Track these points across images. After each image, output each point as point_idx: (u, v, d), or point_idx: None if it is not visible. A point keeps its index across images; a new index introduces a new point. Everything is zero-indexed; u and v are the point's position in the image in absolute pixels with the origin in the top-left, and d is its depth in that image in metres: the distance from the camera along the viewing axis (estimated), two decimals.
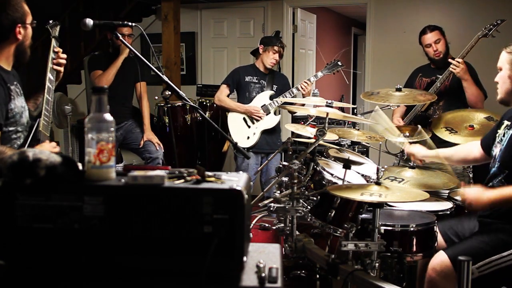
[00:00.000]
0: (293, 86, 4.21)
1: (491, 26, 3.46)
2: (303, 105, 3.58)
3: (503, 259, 2.16)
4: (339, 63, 4.19)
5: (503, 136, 2.36)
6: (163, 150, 4.29)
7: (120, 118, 4.22)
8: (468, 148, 2.65)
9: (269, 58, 4.13)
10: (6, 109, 2.10)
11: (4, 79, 2.11)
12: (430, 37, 3.69)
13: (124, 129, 4.28)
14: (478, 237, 2.28)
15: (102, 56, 4.32)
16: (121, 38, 2.38)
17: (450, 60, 3.54)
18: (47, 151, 1.36)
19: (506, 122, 2.39)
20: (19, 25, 2.12)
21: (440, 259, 2.24)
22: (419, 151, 2.75)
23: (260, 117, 4.14)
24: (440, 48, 3.68)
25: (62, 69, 2.37)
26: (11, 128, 2.11)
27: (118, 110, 4.17)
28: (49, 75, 2.30)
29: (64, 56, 2.37)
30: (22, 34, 2.14)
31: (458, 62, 3.48)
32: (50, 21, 2.44)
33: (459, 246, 2.30)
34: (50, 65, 2.33)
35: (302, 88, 4.04)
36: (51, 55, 2.35)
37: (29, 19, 2.17)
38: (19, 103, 2.17)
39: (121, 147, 4.46)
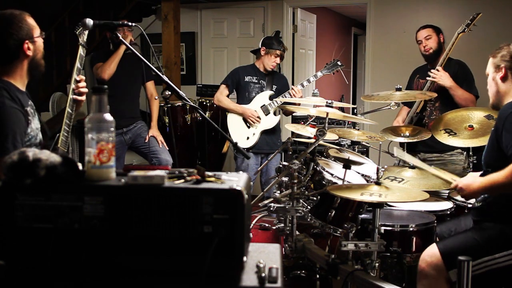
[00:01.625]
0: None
1: (469, 21, 3.50)
2: (299, 104, 3.59)
3: (495, 260, 2.17)
4: (339, 62, 4.19)
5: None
6: (172, 160, 4.24)
7: (130, 120, 4.17)
8: None
9: (270, 61, 4.13)
10: (25, 136, 2.07)
11: (22, 103, 2.07)
12: (421, 34, 3.76)
13: (133, 132, 4.21)
14: (469, 234, 2.30)
15: (103, 53, 4.30)
16: (121, 38, 2.39)
17: (432, 70, 3.57)
18: (47, 151, 1.36)
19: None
20: (27, 41, 2.08)
21: (431, 251, 2.26)
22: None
23: (255, 121, 4.13)
24: (430, 44, 3.71)
25: (84, 98, 2.33)
26: None
27: (127, 110, 4.13)
28: (72, 86, 2.27)
29: (84, 85, 2.33)
30: (31, 49, 2.10)
31: (437, 71, 3.54)
32: (80, 23, 2.39)
33: (450, 240, 2.33)
34: (75, 75, 2.29)
35: (294, 94, 4.02)
36: (77, 64, 2.31)
37: (36, 32, 2.13)
38: (34, 125, 2.13)
39: (129, 150, 4.42)
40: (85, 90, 2.33)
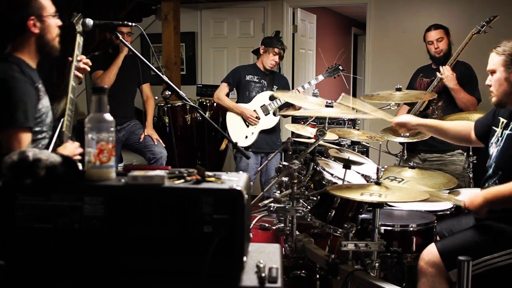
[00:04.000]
0: (293, 87, 4.21)
1: (484, 23, 3.49)
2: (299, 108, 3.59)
3: (494, 260, 2.17)
4: (340, 67, 4.21)
5: (500, 136, 2.33)
6: (166, 153, 4.26)
7: (123, 119, 4.19)
8: (464, 127, 2.59)
9: (269, 60, 4.13)
10: (36, 110, 2.08)
11: (32, 78, 2.09)
12: (433, 35, 3.73)
13: (127, 130, 4.25)
14: (468, 233, 2.29)
15: (102, 56, 4.30)
16: (121, 38, 2.39)
17: (441, 67, 3.56)
18: (47, 151, 1.36)
19: (501, 119, 2.35)
20: (32, 17, 2.09)
21: (430, 250, 2.26)
22: (409, 120, 2.66)
23: (254, 122, 4.13)
24: (441, 46, 3.70)
25: (82, 76, 2.37)
26: (37, 129, 2.09)
27: (121, 110, 4.14)
28: (73, 73, 2.30)
29: (87, 61, 2.37)
30: (38, 27, 2.11)
31: (447, 70, 3.53)
32: (74, 14, 2.42)
33: (448, 239, 2.33)
34: (75, 63, 2.31)
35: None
36: (76, 51, 2.33)
37: (46, 11, 2.13)
38: (45, 103, 2.15)
39: (124, 148, 4.43)
40: (87, 67, 2.36)
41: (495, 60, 2.29)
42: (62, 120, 2.20)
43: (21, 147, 1.95)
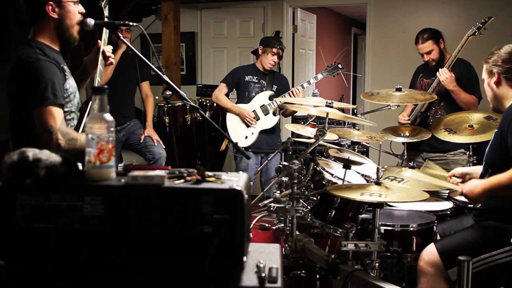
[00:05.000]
0: (293, 87, 4.21)
1: (480, 24, 3.48)
2: (301, 105, 3.58)
3: (492, 257, 2.18)
4: (339, 65, 4.20)
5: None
6: (165, 153, 4.26)
7: (123, 119, 4.17)
8: None
9: (268, 60, 4.13)
10: (63, 89, 2.13)
11: (56, 60, 2.14)
12: (422, 48, 3.72)
13: (127, 130, 4.23)
14: (467, 233, 2.31)
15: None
16: (122, 38, 2.39)
17: (440, 70, 3.56)
18: (47, 151, 1.36)
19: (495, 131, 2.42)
20: (51, 2, 2.11)
21: (429, 250, 2.28)
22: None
23: (251, 122, 4.13)
24: (432, 56, 3.70)
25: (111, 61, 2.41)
26: (66, 109, 2.14)
27: (121, 109, 4.12)
28: (100, 58, 2.33)
29: (112, 55, 2.41)
30: (57, 12, 2.14)
31: (445, 72, 3.52)
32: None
33: (447, 239, 2.34)
34: (102, 47, 2.34)
35: (294, 94, 4.04)
36: (104, 36, 2.37)
37: None
38: (72, 83, 2.21)
39: (123, 148, 4.43)
40: (111, 60, 2.40)
41: (483, 70, 2.44)
42: (90, 103, 2.23)
43: (56, 122, 2.04)
